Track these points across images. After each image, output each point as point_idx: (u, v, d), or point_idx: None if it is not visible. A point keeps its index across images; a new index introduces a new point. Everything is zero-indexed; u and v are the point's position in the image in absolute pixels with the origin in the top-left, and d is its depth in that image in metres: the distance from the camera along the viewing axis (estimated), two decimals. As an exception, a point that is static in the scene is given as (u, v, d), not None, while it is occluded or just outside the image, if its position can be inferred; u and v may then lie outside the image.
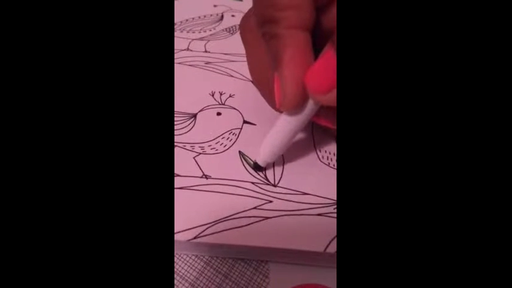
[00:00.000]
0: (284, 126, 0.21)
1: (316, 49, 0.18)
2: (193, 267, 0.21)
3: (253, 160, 0.24)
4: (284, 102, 0.19)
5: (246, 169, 0.24)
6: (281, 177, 0.24)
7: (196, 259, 0.22)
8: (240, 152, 0.25)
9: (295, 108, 0.19)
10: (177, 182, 0.23)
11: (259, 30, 0.19)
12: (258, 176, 0.24)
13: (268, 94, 0.23)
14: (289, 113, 0.20)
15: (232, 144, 0.25)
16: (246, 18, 0.23)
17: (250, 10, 0.23)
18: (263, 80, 0.22)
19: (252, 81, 0.26)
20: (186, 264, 0.21)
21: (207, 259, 0.22)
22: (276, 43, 0.18)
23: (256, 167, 0.24)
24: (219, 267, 0.21)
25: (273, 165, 0.24)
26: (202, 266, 0.21)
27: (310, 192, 0.23)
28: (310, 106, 0.19)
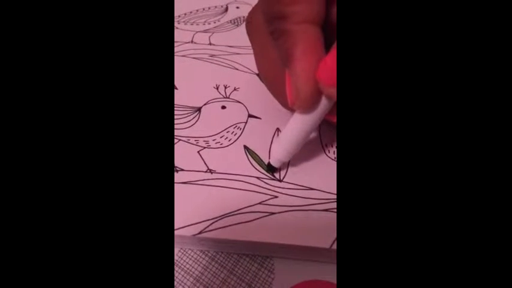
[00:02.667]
0: (298, 125, 0.20)
1: (327, 43, 0.18)
2: (198, 262, 0.21)
3: (267, 162, 0.23)
4: (298, 101, 0.18)
5: (251, 164, 0.24)
6: (287, 172, 0.24)
7: (201, 254, 0.22)
8: (248, 149, 0.25)
9: (310, 105, 0.18)
10: (182, 176, 0.23)
11: (267, 27, 0.18)
12: (263, 171, 0.24)
13: (279, 93, 0.22)
14: (302, 111, 0.19)
15: (237, 139, 0.25)
16: (252, 15, 0.22)
17: (256, 6, 0.22)
18: (273, 79, 0.22)
19: (262, 80, 0.25)
20: (190, 259, 0.21)
21: (212, 254, 0.22)
22: (286, 39, 0.17)
23: (270, 169, 0.23)
24: (224, 263, 0.21)
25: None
26: (207, 261, 0.21)
27: (316, 188, 0.23)
28: (323, 103, 0.18)
